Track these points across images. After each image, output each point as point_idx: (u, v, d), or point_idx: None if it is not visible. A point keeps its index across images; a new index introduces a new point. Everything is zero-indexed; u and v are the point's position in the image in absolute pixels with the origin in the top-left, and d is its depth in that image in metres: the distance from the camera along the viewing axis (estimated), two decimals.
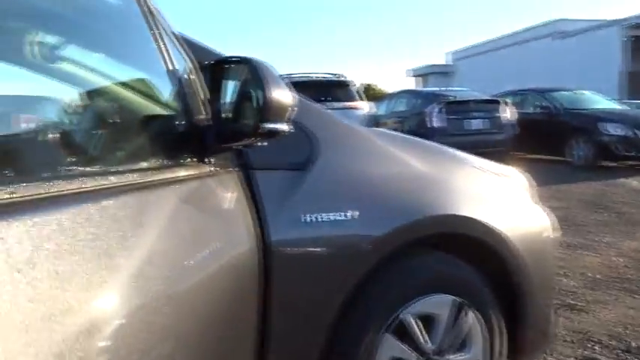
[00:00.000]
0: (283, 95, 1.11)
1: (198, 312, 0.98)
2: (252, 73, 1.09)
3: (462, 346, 1.59)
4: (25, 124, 1.29)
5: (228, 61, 1.23)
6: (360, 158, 1.57)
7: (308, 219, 1.35)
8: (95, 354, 0.70)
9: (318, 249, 1.38)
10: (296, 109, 1.18)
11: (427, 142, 1.95)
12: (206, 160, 1.14)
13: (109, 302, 0.77)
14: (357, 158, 1.56)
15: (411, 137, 2.03)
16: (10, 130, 1.22)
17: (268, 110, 1.06)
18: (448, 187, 1.70)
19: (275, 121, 1.08)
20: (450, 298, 1.56)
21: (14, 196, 0.66)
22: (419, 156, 1.72)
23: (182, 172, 1.09)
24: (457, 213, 1.60)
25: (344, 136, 1.60)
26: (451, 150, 1.94)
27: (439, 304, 1.55)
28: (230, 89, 1.23)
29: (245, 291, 1.19)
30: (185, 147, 1.13)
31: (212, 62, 1.25)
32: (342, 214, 1.39)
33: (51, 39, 1.46)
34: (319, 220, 1.36)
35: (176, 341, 0.91)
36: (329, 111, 1.69)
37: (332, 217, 1.37)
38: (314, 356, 1.37)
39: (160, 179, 1.01)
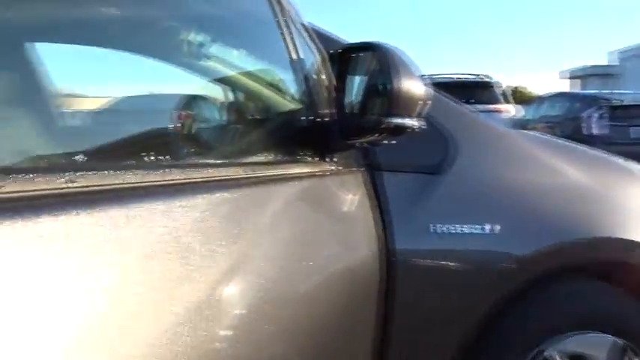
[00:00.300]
0: (414, 86, 0.97)
1: (315, 314, 0.91)
2: (380, 61, 0.97)
3: None
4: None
5: (355, 48, 1.13)
6: (506, 164, 1.36)
7: (439, 229, 1.20)
8: (210, 353, 0.65)
9: (448, 263, 1.23)
10: (429, 103, 1.03)
11: (590, 150, 1.65)
12: (328, 158, 1.06)
13: (226, 298, 0.73)
14: (501, 164, 1.36)
15: (571, 143, 1.74)
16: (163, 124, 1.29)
17: (396, 103, 0.93)
18: (614, 203, 1.41)
19: (403, 116, 0.95)
20: (610, 338, 1.28)
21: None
22: (579, 165, 1.45)
23: (302, 169, 1.02)
24: (622, 237, 1.32)
25: (487, 138, 1.40)
26: (620, 160, 1.62)
27: (595, 344, 1.28)
28: (357, 80, 1.13)
29: (363, 298, 1.09)
30: (307, 143, 1.05)
31: (338, 51, 1.16)
32: (480, 226, 1.21)
33: (199, 37, 1.51)
34: (452, 231, 1.20)
35: (290, 343, 0.85)
36: (471, 109, 1.51)
37: (467, 230, 1.20)
38: None
39: (279, 174, 0.96)
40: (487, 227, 1.21)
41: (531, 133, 2.08)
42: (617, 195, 1.45)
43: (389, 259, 1.15)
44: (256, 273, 0.80)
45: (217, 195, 0.76)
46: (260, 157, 0.98)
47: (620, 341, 1.28)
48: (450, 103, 1.41)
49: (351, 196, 1.13)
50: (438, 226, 1.20)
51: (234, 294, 0.75)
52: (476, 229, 1.21)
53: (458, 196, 1.27)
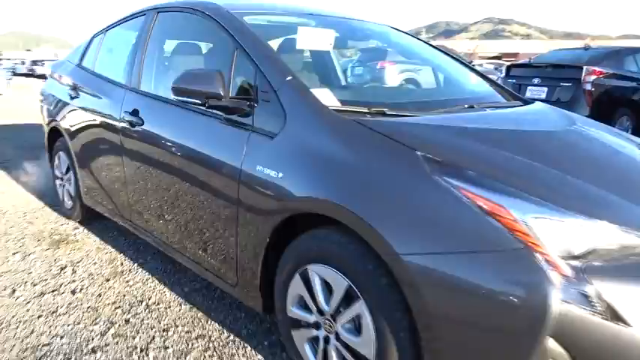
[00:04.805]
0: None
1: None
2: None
3: (356, 329, 1.61)
4: None
5: None
6: (311, 133, 1.84)
7: (259, 169, 1.87)
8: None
9: (261, 189, 1.84)
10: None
11: (381, 128, 1.67)
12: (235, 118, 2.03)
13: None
14: (308, 133, 1.80)
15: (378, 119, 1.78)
16: None
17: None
18: (353, 173, 1.64)
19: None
20: (339, 274, 1.61)
21: None
22: (354, 140, 1.69)
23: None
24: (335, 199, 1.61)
25: (308, 113, 1.84)
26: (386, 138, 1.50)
27: (332, 276, 1.64)
28: None
29: (224, 200, 1.79)
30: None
31: None
32: (275, 172, 1.80)
33: None
34: (264, 171, 1.83)
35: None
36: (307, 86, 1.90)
37: (269, 172, 1.82)
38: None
39: None
40: (277, 173, 1.79)
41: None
42: (358, 165, 1.59)
43: (240, 178, 1.93)
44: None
45: None
46: None
47: (345, 280, 1.59)
48: (293, 85, 1.87)
49: (243, 139, 1.97)
50: (259, 168, 1.87)
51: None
52: (271, 172, 1.81)
53: (273, 153, 1.83)
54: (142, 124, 2.51)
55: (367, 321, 1.55)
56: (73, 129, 3.33)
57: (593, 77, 6.43)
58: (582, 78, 6.43)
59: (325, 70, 3.07)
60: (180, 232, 2.37)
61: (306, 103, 1.82)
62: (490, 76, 2.96)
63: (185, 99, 2.13)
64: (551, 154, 1.72)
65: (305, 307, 1.79)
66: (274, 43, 2.78)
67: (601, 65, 6.57)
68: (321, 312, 1.72)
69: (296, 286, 1.80)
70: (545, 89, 6.81)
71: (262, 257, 1.89)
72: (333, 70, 3.13)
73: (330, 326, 1.70)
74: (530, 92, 6.96)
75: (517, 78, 7.28)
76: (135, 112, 2.59)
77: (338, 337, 1.68)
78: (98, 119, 2.98)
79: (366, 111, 1.85)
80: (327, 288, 1.69)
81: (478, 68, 12.12)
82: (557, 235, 1.31)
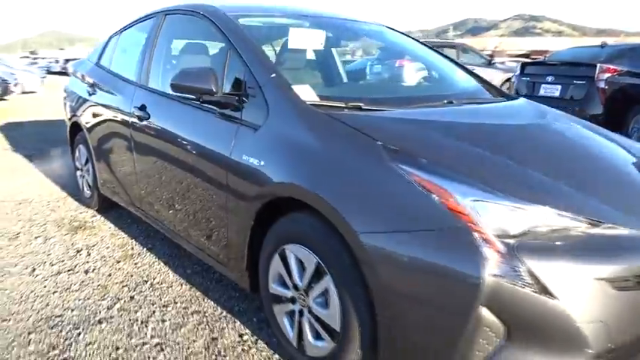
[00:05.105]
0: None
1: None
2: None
3: (325, 303, 1.78)
4: None
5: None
6: (290, 127, 2.03)
7: (245, 158, 2.06)
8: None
9: (245, 175, 2.01)
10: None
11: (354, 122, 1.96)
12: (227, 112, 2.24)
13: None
14: (287, 126, 1.98)
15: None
16: None
17: None
18: (323, 162, 1.78)
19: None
20: (310, 252, 1.78)
21: None
22: (327, 131, 1.89)
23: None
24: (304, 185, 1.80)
25: (288, 108, 2.05)
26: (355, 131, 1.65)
27: (304, 255, 1.82)
28: None
29: (217, 186, 2.12)
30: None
31: None
32: (257, 160, 1.99)
33: None
34: (248, 160, 2.03)
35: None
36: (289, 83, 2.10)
37: (252, 160, 2.01)
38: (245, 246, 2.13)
39: None
40: (259, 161, 1.97)
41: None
42: (327, 153, 1.77)
43: (230, 162, 2.12)
44: None
45: None
46: None
47: (315, 258, 1.76)
48: (276, 82, 2.05)
49: (232, 131, 2.16)
50: (245, 157, 2.06)
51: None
52: (254, 161, 1.99)
53: (257, 144, 2.01)
54: (149, 118, 2.73)
55: (333, 295, 1.72)
56: (90, 123, 3.59)
57: (607, 75, 6.40)
58: (596, 76, 6.41)
59: (324, 67, 3.24)
60: (184, 219, 2.58)
61: (286, 98, 2.00)
62: (507, 74, 3.06)
63: (183, 95, 2.33)
64: (506, 145, 1.85)
65: (283, 284, 1.97)
66: (277, 43, 2.98)
67: (615, 63, 6.53)
68: (296, 287, 1.90)
69: (276, 265, 1.98)
70: (559, 87, 6.81)
71: (248, 239, 2.07)
72: (333, 68, 3.29)
73: (304, 300, 1.87)
74: (543, 90, 6.97)
75: (531, 76, 7.28)
76: (143, 107, 2.81)
77: (310, 311, 1.85)
78: (112, 114, 3.22)
79: (343, 105, 2.01)
80: (301, 266, 1.86)
81: (499, 66, 11.94)
82: (494, 216, 1.45)
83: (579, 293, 1.39)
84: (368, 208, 1.59)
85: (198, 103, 2.32)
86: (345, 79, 3.32)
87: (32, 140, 6.99)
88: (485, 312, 1.40)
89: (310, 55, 3.16)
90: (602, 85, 6.39)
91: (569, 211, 1.51)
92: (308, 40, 2.70)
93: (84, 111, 3.73)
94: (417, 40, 3.20)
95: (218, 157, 2.17)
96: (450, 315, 1.44)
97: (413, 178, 1.54)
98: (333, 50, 3.31)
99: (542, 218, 1.48)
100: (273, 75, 2.09)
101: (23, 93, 15.77)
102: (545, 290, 1.37)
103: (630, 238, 1.52)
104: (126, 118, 3.00)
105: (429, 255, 1.46)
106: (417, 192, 1.52)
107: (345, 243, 1.64)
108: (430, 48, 3.13)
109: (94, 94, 3.59)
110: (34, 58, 39.22)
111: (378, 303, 1.57)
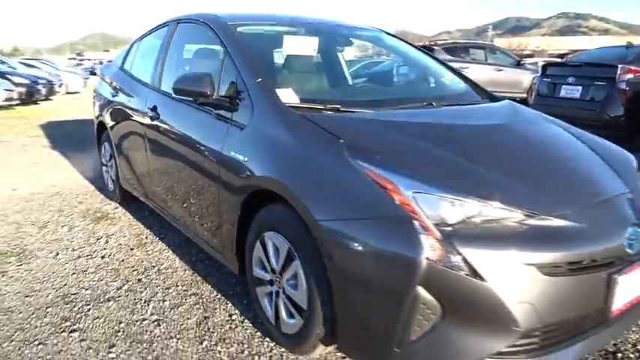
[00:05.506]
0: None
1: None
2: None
3: (296, 285, 1.98)
4: None
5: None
6: (271, 126, 2.23)
7: (233, 154, 2.29)
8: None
9: (234, 169, 2.26)
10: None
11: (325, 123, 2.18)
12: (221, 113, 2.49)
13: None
14: (268, 126, 2.18)
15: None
16: None
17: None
18: (298, 159, 1.95)
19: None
20: (283, 239, 1.99)
21: None
22: (305, 131, 2.11)
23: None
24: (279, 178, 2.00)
25: (270, 109, 2.26)
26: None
27: (280, 241, 2.02)
28: None
29: (210, 179, 2.42)
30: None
31: None
32: (242, 156, 2.21)
33: None
34: (236, 156, 2.26)
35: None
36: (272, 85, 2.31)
37: (238, 156, 2.23)
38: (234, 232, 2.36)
39: None
40: (244, 157, 2.19)
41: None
42: (298, 150, 1.96)
43: (222, 158, 2.35)
44: None
45: None
46: None
47: (287, 243, 1.97)
48: (261, 86, 2.26)
49: (224, 130, 2.40)
50: (233, 153, 2.28)
51: None
52: (240, 157, 2.21)
53: (242, 142, 2.23)
54: (158, 118, 3.00)
55: (301, 277, 1.91)
56: (113, 122, 3.92)
57: (629, 76, 6.31)
58: (617, 77, 6.34)
59: (328, 71, 3.43)
60: (188, 210, 2.83)
61: (268, 101, 2.21)
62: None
63: (182, 97, 2.59)
64: (461, 143, 2.00)
65: (264, 268, 2.18)
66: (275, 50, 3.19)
67: (637, 64, 6.44)
68: (273, 271, 2.11)
69: (257, 251, 2.20)
70: (580, 88, 6.76)
71: (236, 227, 2.30)
72: (338, 71, 3.49)
73: (279, 282, 2.08)
74: (564, 91, 6.93)
75: (552, 77, 7.24)
76: (154, 108, 3.08)
77: (284, 291, 2.06)
78: (130, 114, 3.52)
79: (322, 107, 2.21)
80: (277, 251, 2.07)
81: (529, 67, 11.71)
82: (434, 207, 1.62)
83: (508, 277, 1.54)
84: (327, 198, 1.79)
85: (198, 104, 2.57)
86: (350, 82, 3.51)
87: (70, 138, 7.48)
88: (422, 291, 1.57)
89: (316, 60, 3.37)
90: (623, 86, 6.31)
91: (505, 204, 1.66)
92: (302, 47, 2.90)
93: (108, 111, 4.06)
94: (412, 45, 3.36)
95: (213, 154, 2.40)
96: (393, 294, 1.62)
97: (366, 172, 1.73)
98: (339, 55, 3.52)
99: (479, 210, 1.63)
100: (259, 80, 2.30)
101: (67, 93, 16.56)
102: (475, 273, 1.53)
103: (564, 229, 1.66)
104: (141, 117, 3.28)
105: (376, 241, 1.64)
106: (368, 184, 1.70)
107: (309, 230, 1.83)
108: (424, 52, 3.28)
109: (116, 95, 3.91)
110: (80, 60, 40.94)
111: (333, 284, 1.76)
